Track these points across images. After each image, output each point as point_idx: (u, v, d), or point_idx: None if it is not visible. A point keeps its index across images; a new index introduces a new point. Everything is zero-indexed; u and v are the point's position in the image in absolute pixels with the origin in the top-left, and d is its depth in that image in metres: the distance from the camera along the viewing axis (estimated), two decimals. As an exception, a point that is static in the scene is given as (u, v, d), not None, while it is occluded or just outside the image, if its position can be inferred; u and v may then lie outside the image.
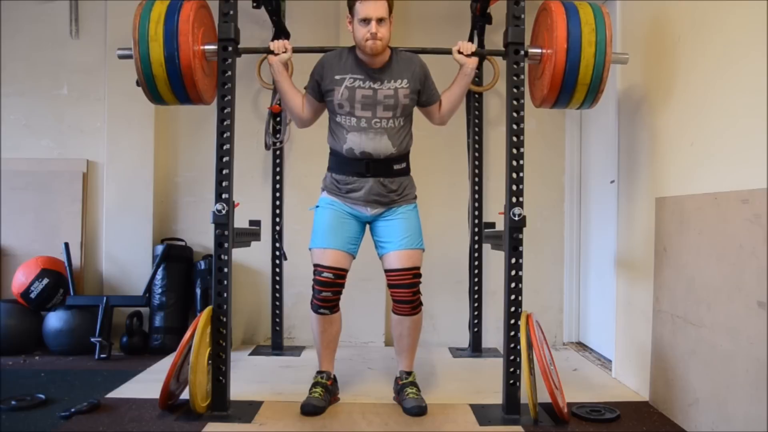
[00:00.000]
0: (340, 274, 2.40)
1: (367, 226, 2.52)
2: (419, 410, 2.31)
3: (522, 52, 2.34)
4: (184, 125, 3.66)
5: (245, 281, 3.58)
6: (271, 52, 2.41)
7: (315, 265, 2.41)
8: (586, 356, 3.31)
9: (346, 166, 2.43)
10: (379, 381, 2.78)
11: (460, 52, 2.41)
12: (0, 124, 3.59)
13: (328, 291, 2.39)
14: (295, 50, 2.46)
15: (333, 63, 2.41)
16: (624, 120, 2.86)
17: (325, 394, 2.39)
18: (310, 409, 2.31)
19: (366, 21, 2.26)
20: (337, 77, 2.38)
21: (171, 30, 2.27)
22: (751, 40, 1.86)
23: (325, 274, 2.38)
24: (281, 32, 3.28)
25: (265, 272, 3.55)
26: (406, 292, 2.40)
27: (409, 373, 2.48)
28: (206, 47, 2.37)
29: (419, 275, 2.43)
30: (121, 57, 2.40)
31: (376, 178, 2.40)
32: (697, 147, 2.19)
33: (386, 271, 2.44)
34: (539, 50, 2.44)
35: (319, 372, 2.49)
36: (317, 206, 2.51)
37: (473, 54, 2.43)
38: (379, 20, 2.26)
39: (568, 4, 2.38)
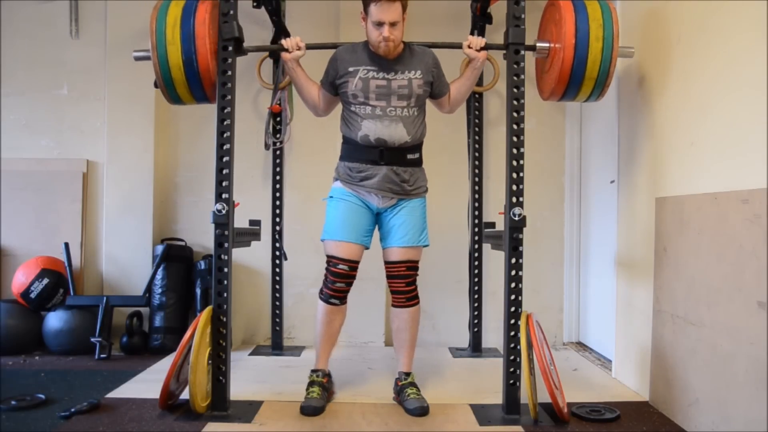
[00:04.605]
0: (354, 266, 2.45)
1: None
2: (422, 411, 2.32)
3: (522, 53, 2.34)
4: (184, 125, 3.66)
5: (245, 281, 3.58)
6: (285, 50, 2.44)
7: (329, 257, 2.45)
8: (586, 356, 3.31)
9: (360, 154, 2.44)
10: (379, 381, 2.78)
11: (469, 47, 2.45)
12: (0, 124, 3.59)
13: (342, 282, 2.43)
14: (309, 47, 2.47)
15: (346, 57, 2.44)
16: (624, 120, 2.86)
17: (322, 393, 2.40)
18: (310, 411, 2.31)
19: (380, 24, 2.29)
20: (350, 69, 2.41)
21: (188, 33, 2.28)
22: (752, 40, 1.86)
23: (340, 266, 2.42)
24: (281, 32, 3.27)
25: (265, 272, 3.55)
26: (400, 282, 2.46)
27: (408, 374, 2.49)
28: None
29: (414, 268, 2.49)
30: (137, 59, 2.41)
31: (389, 166, 2.42)
32: (697, 147, 2.19)
33: (385, 263, 2.51)
34: (547, 44, 2.48)
35: (314, 370, 2.50)
36: (330, 196, 2.52)
37: (483, 48, 2.45)
38: (393, 24, 2.29)
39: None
